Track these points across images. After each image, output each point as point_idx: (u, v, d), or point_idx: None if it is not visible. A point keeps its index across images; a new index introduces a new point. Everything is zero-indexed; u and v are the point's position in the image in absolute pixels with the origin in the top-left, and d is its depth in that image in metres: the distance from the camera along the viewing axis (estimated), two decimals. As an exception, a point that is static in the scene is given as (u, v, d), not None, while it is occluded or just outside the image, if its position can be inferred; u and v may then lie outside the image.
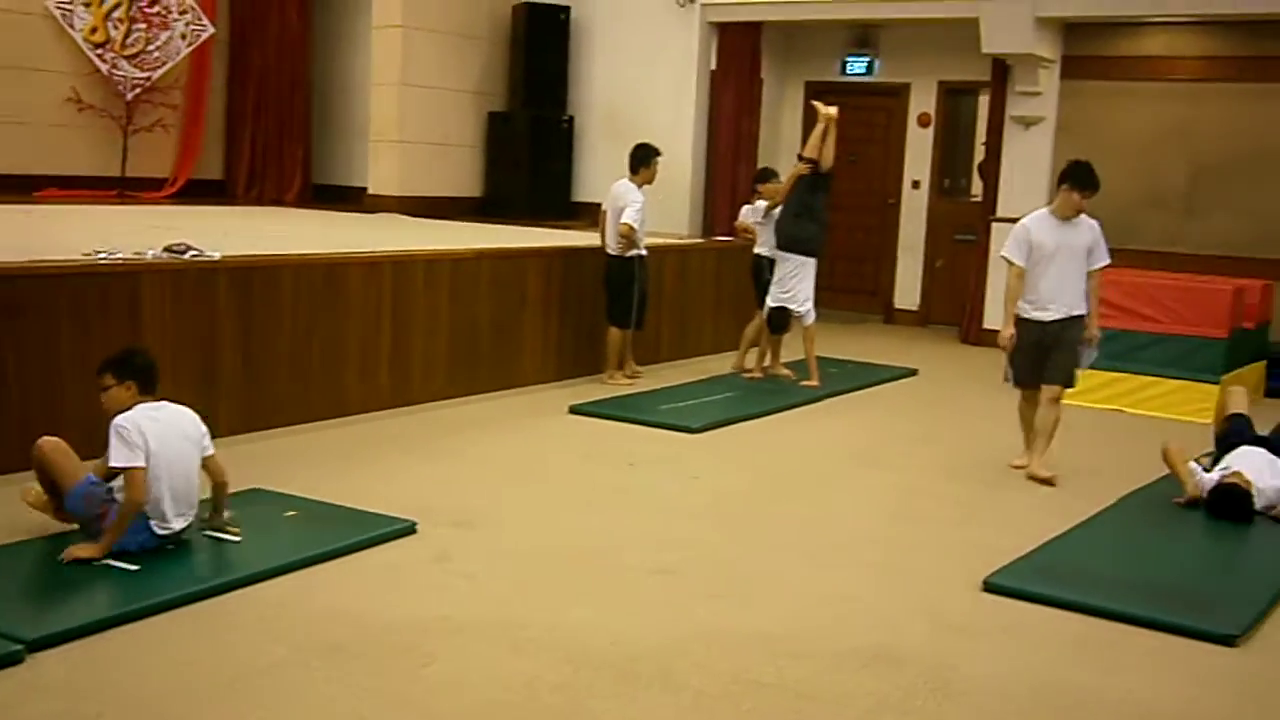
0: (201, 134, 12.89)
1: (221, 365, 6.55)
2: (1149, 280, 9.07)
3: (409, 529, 5.12)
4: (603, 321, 8.93)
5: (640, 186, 8.67)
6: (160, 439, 4.62)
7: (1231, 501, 5.84)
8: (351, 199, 12.88)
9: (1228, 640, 4.33)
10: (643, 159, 8.72)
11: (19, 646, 3.71)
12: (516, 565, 4.86)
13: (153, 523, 4.61)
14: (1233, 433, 6.42)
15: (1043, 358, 6.59)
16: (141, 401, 4.70)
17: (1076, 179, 6.47)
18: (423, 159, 12.41)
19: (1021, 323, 6.59)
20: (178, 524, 4.68)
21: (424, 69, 12.28)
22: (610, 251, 8.77)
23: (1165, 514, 5.99)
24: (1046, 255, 6.49)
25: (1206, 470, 6.17)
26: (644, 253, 8.81)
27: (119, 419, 4.58)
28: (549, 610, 4.36)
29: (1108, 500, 6.16)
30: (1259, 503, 5.83)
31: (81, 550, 4.47)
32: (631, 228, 8.50)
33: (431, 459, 6.50)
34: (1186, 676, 4.08)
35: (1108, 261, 6.61)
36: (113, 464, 4.53)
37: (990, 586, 4.79)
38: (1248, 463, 6.02)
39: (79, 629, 3.90)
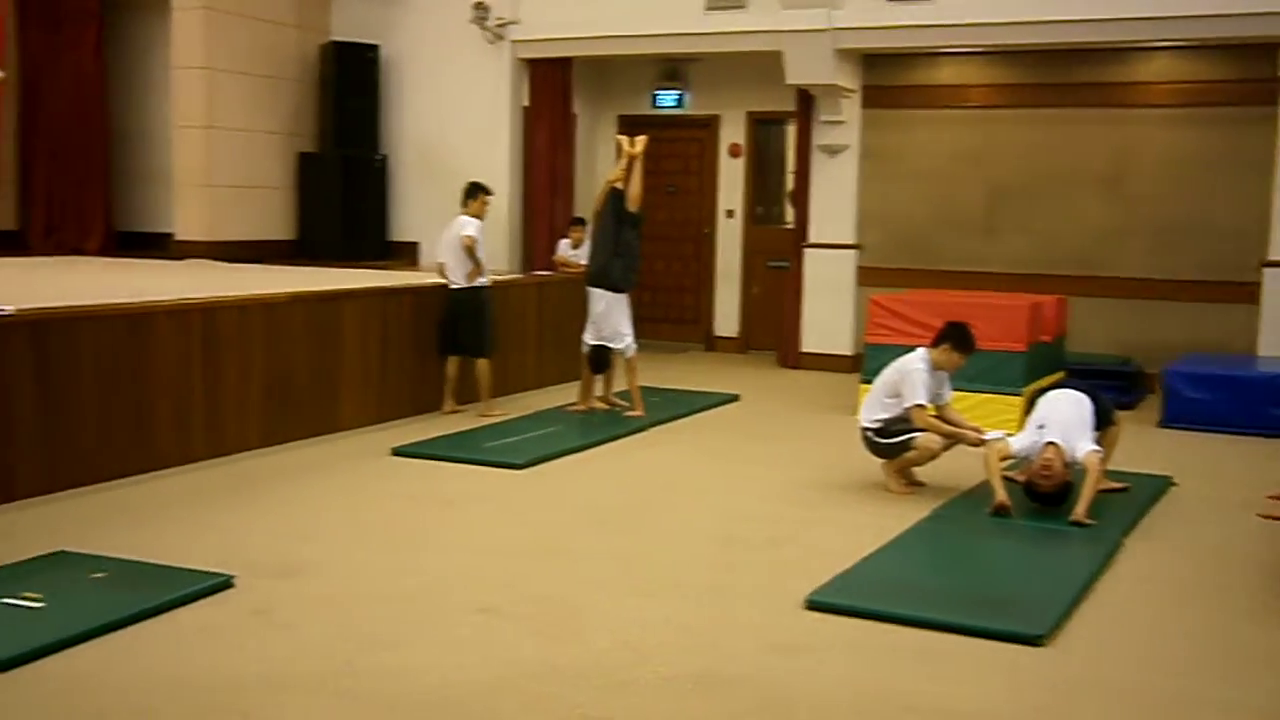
0: (-7, 183, 12.33)
1: (17, 423, 6.24)
2: (951, 299, 9.44)
3: (225, 583, 4.95)
4: (426, 361, 8.91)
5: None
6: None
7: (1043, 497, 6.30)
8: (158, 245, 12.46)
9: (1035, 640, 4.51)
10: (469, 193, 8.99)
11: None
12: (338, 613, 4.74)
13: None
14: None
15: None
16: None
17: (963, 342, 6.91)
18: (232, 202, 12.09)
19: None
20: None
21: (230, 111, 11.99)
22: (455, 285, 8.85)
23: (978, 522, 6.22)
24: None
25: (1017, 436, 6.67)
26: (488, 282, 8.96)
27: None
28: (372, 656, 4.28)
29: (923, 513, 6.37)
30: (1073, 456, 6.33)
31: None
32: (473, 238, 8.73)
33: (249, 510, 6.32)
34: (1000, 678, 4.23)
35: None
36: None
37: (813, 604, 4.88)
38: (1058, 416, 6.43)
39: None
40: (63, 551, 5.30)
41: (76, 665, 4.14)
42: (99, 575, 4.99)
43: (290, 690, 3.98)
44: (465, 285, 8.83)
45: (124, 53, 13.20)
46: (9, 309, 6.31)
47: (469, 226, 8.79)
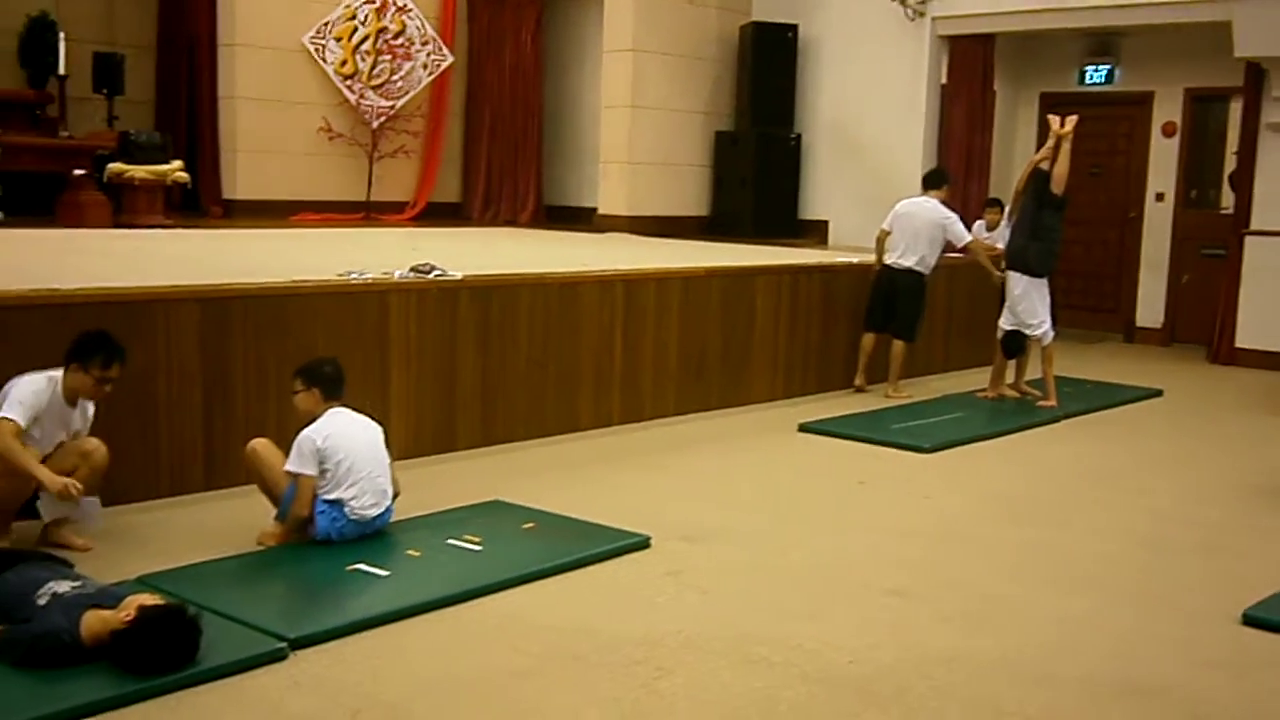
0: (440, 158, 13.45)
1: (462, 379, 6.78)
2: None
3: (643, 543, 5.18)
4: (833, 339, 8.97)
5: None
6: (350, 436, 5.04)
7: None
8: (582, 219, 13.19)
9: None
10: (938, 181, 9.18)
11: (283, 644, 3.93)
12: (747, 580, 4.86)
13: (347, 509, 4.96)
14: None
15: None
16: (327, 407, 5.12)
17: None
18: (651, 179, 12.59)
19: None
20: (373, 511, 5.02)
21: (653, 91, 12.48)
22: (900, 263, 8.87)
23: None
24: None
25: None
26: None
27: (304, 432, 5.00)
28: (781, 626, 4.35)
29: (1380, 531, 5.77)
30: None
31: (270, 537, 5.05)
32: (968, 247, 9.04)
33: (662, 474, 6.57)
34: None
35: None
36: (287, 467, 4.97)
37: (1251, 619, 4.52)
38: None
39: (336, 630, 4.12)
40: (497, 501, 5.72)
41: (510, 606, 4.47)
42: (529, 525, 5.35)
43: (702, 651, 4.11)
44: (910, 266, 8.83)
45: (558, 36, 14.02)
46: (456, 274, 6.86)
47: (961, 226, 8.91)
